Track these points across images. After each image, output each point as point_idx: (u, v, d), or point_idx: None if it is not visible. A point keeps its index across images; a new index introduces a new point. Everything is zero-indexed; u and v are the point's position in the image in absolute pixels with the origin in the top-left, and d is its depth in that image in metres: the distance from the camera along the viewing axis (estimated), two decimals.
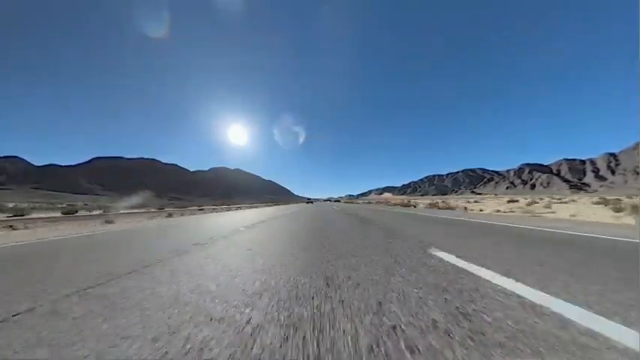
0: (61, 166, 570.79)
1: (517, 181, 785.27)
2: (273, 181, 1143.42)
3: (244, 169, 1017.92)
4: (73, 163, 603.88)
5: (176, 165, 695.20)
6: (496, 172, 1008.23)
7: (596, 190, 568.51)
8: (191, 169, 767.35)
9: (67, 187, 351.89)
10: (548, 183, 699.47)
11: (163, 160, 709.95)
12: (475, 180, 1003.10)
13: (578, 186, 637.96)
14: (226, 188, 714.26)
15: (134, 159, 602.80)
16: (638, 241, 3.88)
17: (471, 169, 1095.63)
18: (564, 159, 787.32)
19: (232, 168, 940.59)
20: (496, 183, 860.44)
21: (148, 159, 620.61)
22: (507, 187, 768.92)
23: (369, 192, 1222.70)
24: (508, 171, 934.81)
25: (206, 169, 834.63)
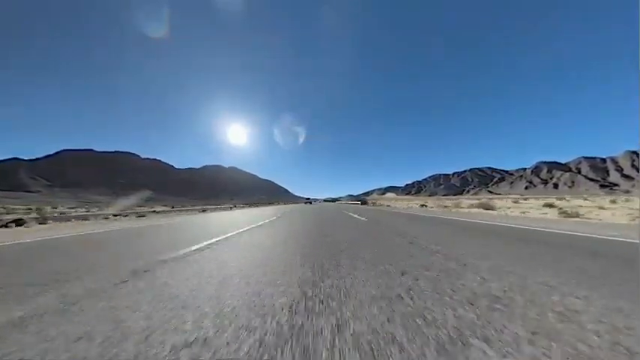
0: (24, 160, 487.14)
1: (536, 180, 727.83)
2: (272, 180, 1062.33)
3: (241, 168, 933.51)
4: (39, 156, 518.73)
5: (158, 160, 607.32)
6: (506, 171, 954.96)
7: (628, 191, 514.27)
8: (184, 167, 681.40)
9: (7, 185, 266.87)
10: (573, 182, 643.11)
11: (143, 155, 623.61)
12: (485, 179, 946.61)
13: (608, 185, 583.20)
14: (219, 187, 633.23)
15: (107, 152, 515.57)
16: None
17: (478, 168, 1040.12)
18: (583, 157, 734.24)
19: (227, 166, 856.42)
20: (511, 182, 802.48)
21: (123, 152, 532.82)
22: (526, 187, 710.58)
23: (371, 192, 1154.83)
24: (519, 170, 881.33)
25: (198, 166, 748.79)
